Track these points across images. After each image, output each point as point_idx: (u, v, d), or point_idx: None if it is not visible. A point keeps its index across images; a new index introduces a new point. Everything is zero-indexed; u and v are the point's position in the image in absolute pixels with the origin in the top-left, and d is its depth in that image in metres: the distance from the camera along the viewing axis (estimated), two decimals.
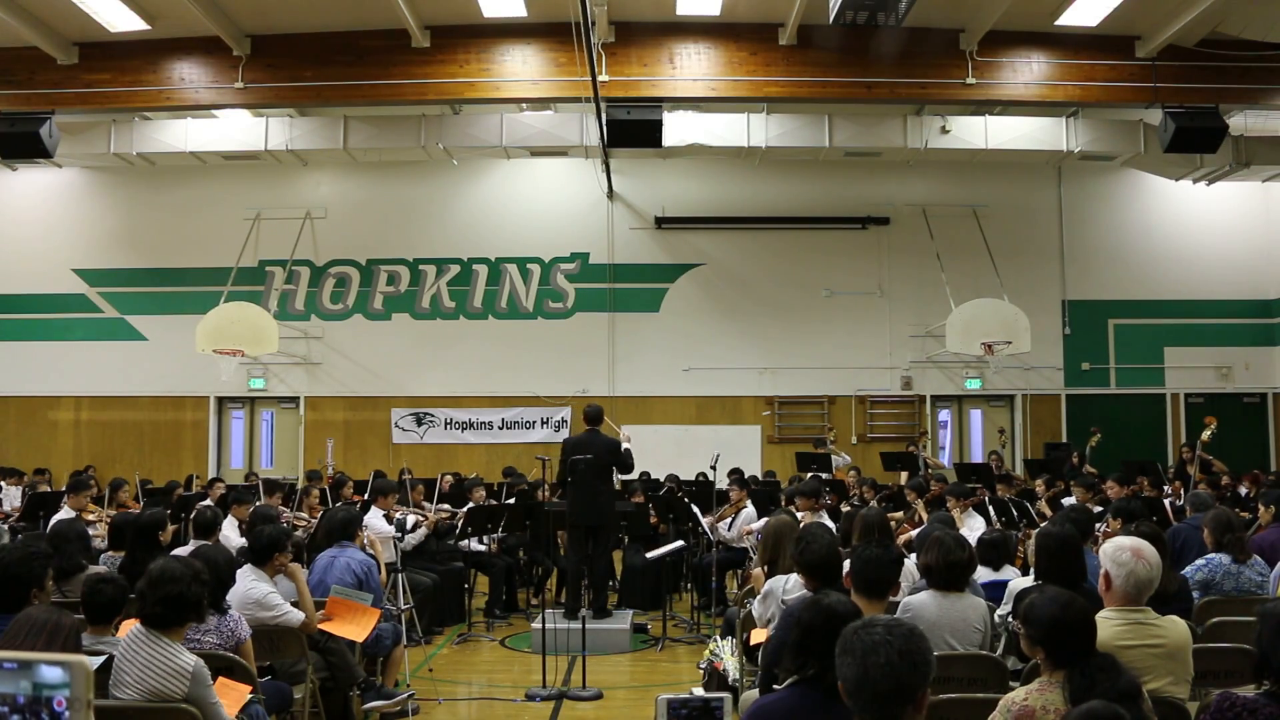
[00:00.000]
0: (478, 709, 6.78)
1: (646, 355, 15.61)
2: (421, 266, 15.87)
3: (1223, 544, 5.52)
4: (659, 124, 11.21)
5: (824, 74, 11.33)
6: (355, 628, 5.62)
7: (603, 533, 8.60)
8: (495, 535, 9.53)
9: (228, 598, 4.75)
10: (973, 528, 7.59)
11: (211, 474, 14.81)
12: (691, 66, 11.33)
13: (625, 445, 8.71)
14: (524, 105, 12.98)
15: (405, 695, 6.28)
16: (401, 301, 15.86)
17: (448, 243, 15.87)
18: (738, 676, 5.62)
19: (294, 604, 5.34)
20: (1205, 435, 11.24)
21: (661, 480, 12.28)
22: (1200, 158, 13.82)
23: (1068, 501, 8.82)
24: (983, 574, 5.29)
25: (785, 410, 15.63)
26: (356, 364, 15.77)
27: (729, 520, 9.54)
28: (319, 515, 8.72)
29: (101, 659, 3.83)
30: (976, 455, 15.60)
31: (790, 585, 4.83)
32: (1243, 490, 11.39)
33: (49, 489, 11.74)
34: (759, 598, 5.12)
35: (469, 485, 10.79)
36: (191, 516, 7.19)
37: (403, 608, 6.75)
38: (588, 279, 15.76)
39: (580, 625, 7.30)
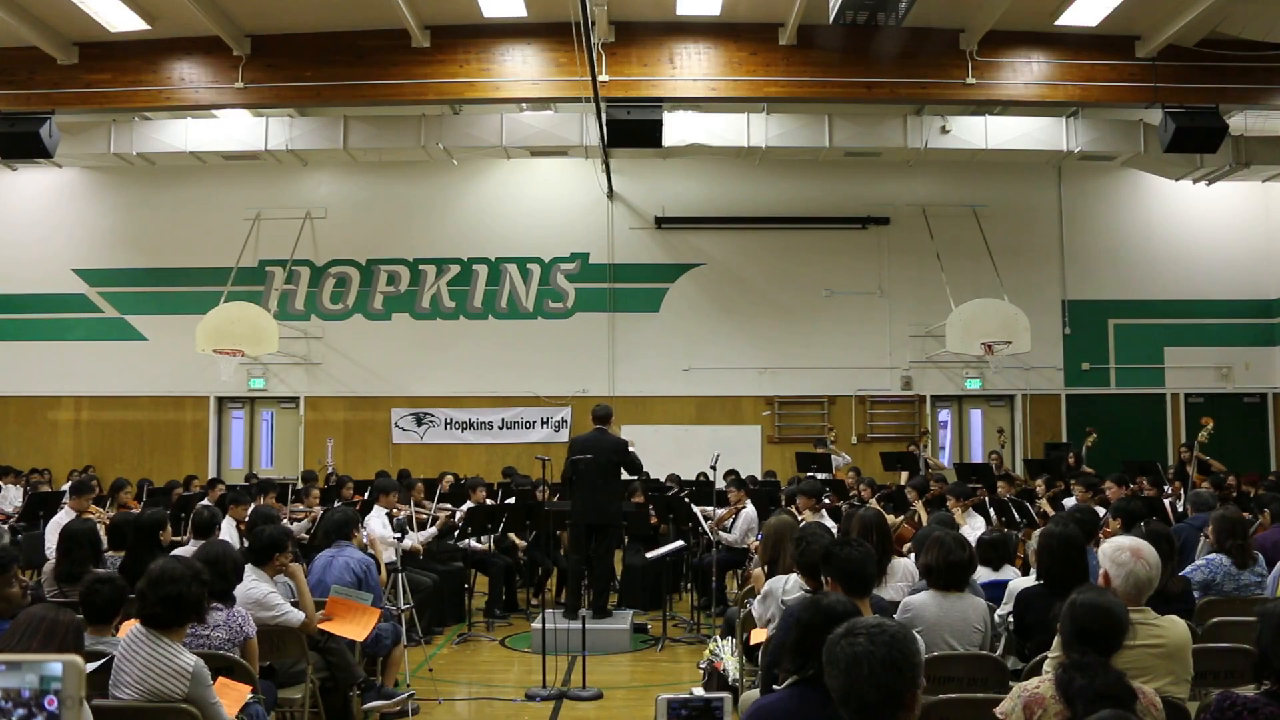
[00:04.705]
0: (478, 709, 6.78)
1: (646, 355, 15.61)
2: (421, 266, 15.87)
3: (1225, 548, 5.52)
4: (659, 124, 11.21)
5: (824, 74, 11.33)
6: (355, 627, 5.62)
7: (606, 533, 8.58)
8: (495, 535, 9.54)
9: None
10: (973, 527, 7.59)
11: (211, 474, 14.82)
12: (691, 66, 11.33)
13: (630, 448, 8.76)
14: (524, 105, 12.98)
15: (405, 695, 6.28)
16: (401, 301, 15.86)
17: (448, 243, 15.88)
18: (738, 676, 5.62)
19: (294, 604, 5.34)
20: (1202, 435, 11.25)
21: (662, 480, 12.28)
22: (1200, 158, 13.82)
23: (1068, 502, 8.82)
24: (983, 574, 5.29)
25: (785, 410, 15.63)
26: (356, 364, 15.77)
27: (730, 522, 9.53)
28: (318, 512, 8.75)
29: (101, 660, 3.83)
30: (976, 455, 15.60)
31: (790, 585, 4.83)
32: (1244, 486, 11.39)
33: (49, 489, 11.75)
34: (759, 598, 5.12)
35: (469, 485, 10.80)
36: (190, 516, 7.20)
37: (403, 608, 6.76)
38: (588, 279, 15.76)
39: (580, 625, 7.31)
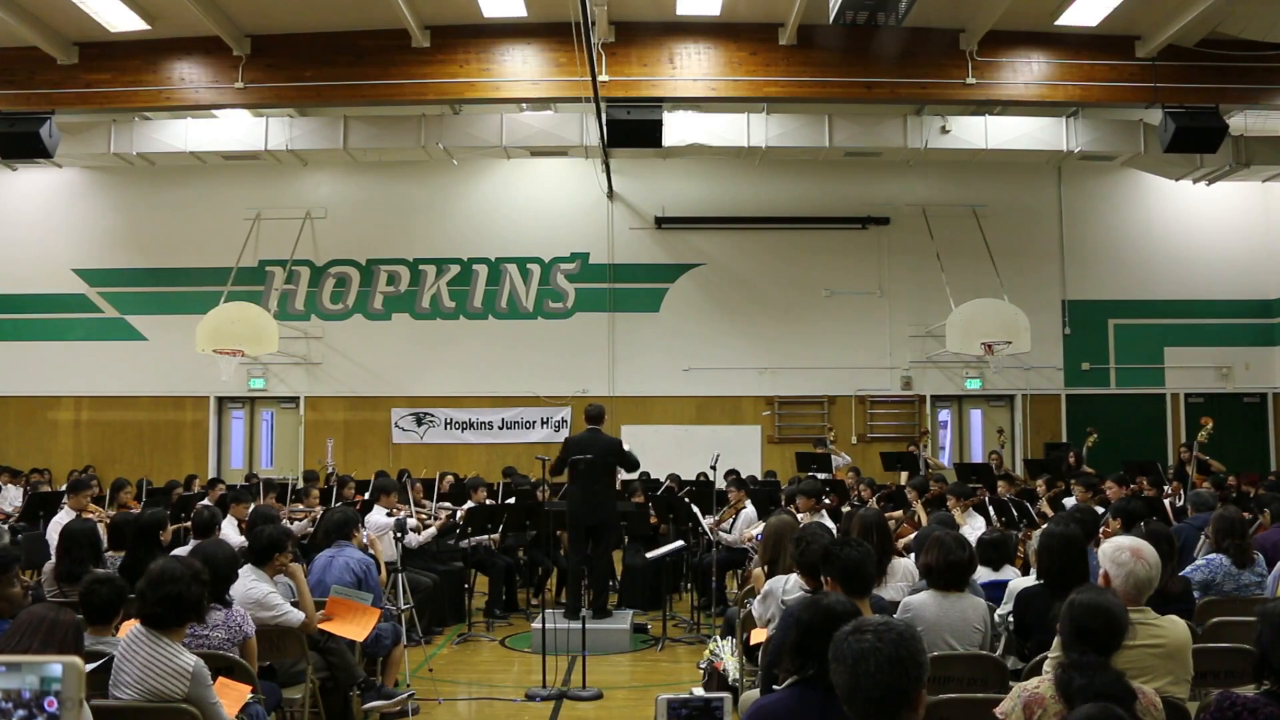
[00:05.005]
0: (478, 709, 6.78)
1: (646, 355, 15.61)
2: (421, 266, 15.87)
3: (1223, 547, 5.52)
4: (659, 124, 11.21)
5: (824, 74, 11.33)
6: (355, 627, 5.63)
7: (604, 533, 8.59)
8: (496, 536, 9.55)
9: (229, 598, 4.75)
10: (973, 527, 7.59)
11: (211, 474, 14.82)
12: (691, 66, 11.33)
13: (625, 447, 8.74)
14: (524, 105, 12.98)
15: (405, 695, 6.28)
16: (401, 301, 15.86)
17: (448, 243, 15.88)
18: (738, 676, 5.62)
19: (294, 604, 5.34)
20: (1201, 435, 11.26)
21: (662, 480, 12.28)
22: (1200, 158, 13.82)
23: (1068, 502, 8.82)
24: (983, 574, 5.29)
25: (785, 410, 15.63)
26: (356, 364, 15.77)
27: (730, 522, 9.53)
28: (318, 512, 8.74)
29: (100, 660, 3.83)
30: (976, 455, 15.60)
31: (790, 585, 4.83)
32: (1244, 486, 11.39)
33: (49, 489, 11.74)
34: (759, 598, 5.12)
35: (470, 485, 10.80)
36: (190, 516, 7.19)
37: (403, 608, 6.76)
38: (588, 279, 15.76)
39: (580, 625, 7.31)
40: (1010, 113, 13.21)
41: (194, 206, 15.82)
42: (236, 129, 13.53)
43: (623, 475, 11.44)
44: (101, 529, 7.97)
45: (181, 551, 5.45)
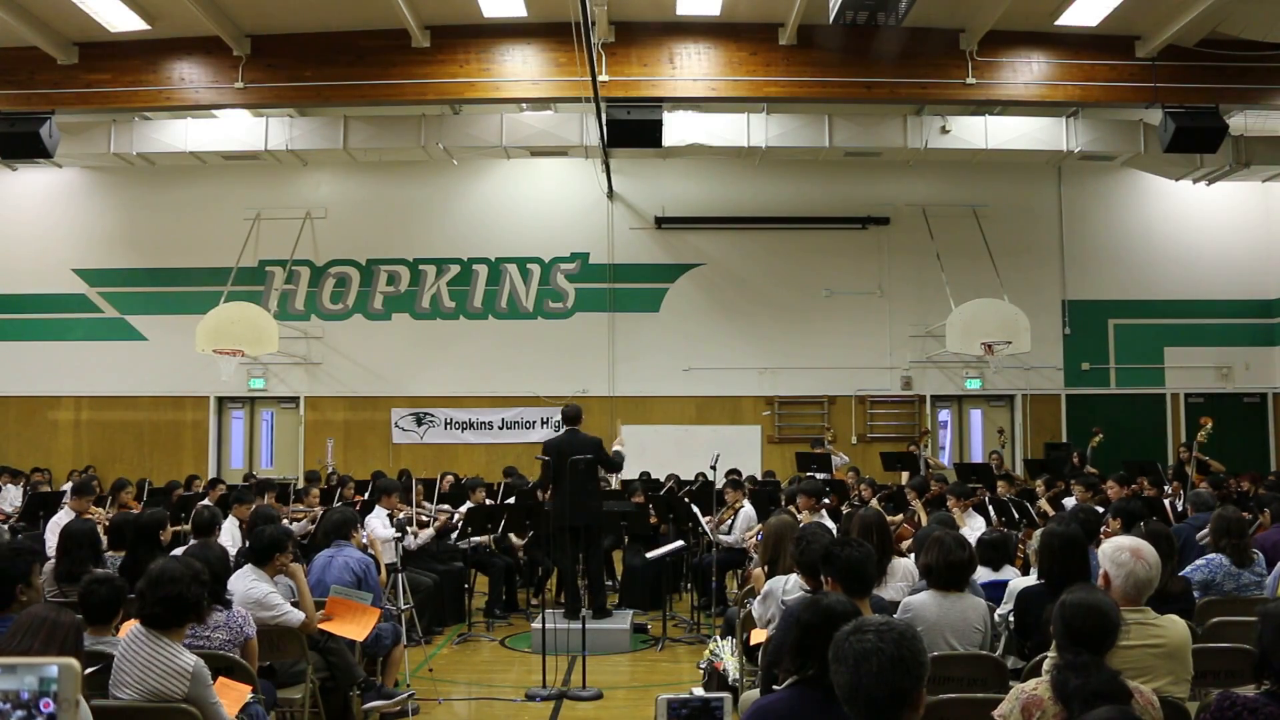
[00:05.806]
0: (478, 709, 6.78)
1: (646, 355, 15.61)
2: (421, 266, 15.87)
3: (1221, 547, 5.53)
4: (659, 124, 11.21)
5: (824, 74, 11.34)
6: (355, 627, 5.63)
7: (591, 531, 8.57)
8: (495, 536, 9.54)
9: (229, 597, 4.75)
10: (973, 528, 7.59)
11: (211, 474, 14.81)
12: (691, 66, 11.33)
13: (617, 448, 8.71)
14: (524, 105, 12.99)
15: (405, 695, 6.28)
16: (401, 301, 15.86)
17: (448, 243, 15.88)
18: (738, 676, 5.62)
19: (294, 604, 5.34)
20: (1201, 435, 11.26)
21: (662, 480, 12.28)
22: (1200, 158, 13.82)
23: (1068, 502, 8.82)
24: (983, 574, 5.29)
25: (785, 410, 15.63)
26: (356, 364, 15.78)
27: (729, 523, 9.53)
28: (318, 512, 8.74)
29: (98, 665, 3.84)
30: (976, 455, 15.60)
31: (790, 585, 4.84)
32: (1244, 485, 11.40)
33: (49, 489, 11.75)
34: (759, 598, 5.13)
35: (469, 485, 10.80)
36: (190, 516, 7.19)
37: (403, 608, 6.76)
38: (588, 279, 15.76)
39: (580, 625, 7.31)
40: (1010, 113, 13.21)
41: (194, 206, 15.82)
42: (236, 129, 13.53)
43: (615, 477, 11.45)
44: (101, 529, 7.97)
45: (178, 552, 5.46)
